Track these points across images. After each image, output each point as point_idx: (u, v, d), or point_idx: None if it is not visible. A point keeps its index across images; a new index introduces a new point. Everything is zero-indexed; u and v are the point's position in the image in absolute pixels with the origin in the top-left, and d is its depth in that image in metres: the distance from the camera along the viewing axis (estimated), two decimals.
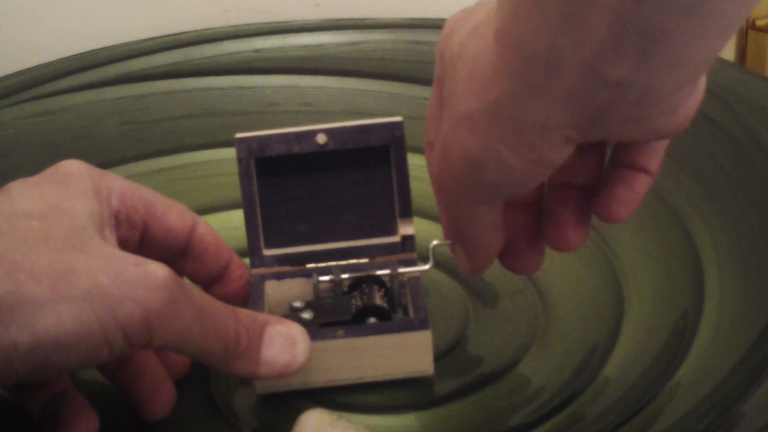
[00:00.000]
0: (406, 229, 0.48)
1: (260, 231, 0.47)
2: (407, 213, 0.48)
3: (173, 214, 0.44)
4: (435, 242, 0.45)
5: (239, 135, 0.47)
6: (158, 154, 0.61)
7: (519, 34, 0.33)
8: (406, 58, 0.66)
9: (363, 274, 0.47)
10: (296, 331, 0.42)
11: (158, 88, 0.65)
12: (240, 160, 0.47)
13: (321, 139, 0.47)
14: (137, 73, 0.65)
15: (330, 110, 0.63)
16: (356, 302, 0.46)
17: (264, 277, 0.47)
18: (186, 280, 0.47)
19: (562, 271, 0.52)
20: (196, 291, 0.39)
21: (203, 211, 0.55)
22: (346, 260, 0.47)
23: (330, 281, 0.46)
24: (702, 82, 0.35)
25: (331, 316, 0.45)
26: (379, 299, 0.46)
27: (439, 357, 0.47)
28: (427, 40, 0.66)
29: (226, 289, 0.47)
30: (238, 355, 0.40)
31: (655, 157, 0.40)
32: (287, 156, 0.47)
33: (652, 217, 0.53)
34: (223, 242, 0.46)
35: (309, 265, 0.47)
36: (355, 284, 0.47)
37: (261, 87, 0.65)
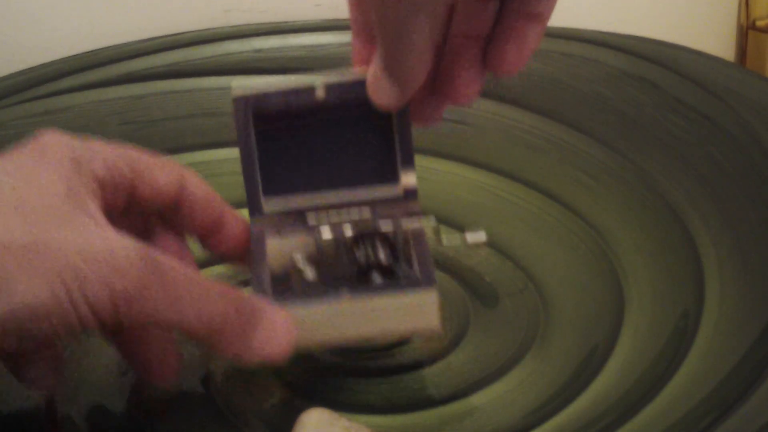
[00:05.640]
0: (408, 178, 0.47)
1: (259, 184, 0.47)
2: (409, 162, 0.47)
3: (160, 172, 0.44)
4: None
5: (235, 90, 0.46)
6: (158, 154, 0.61)
7: None
8: None
9: (366, 229, 0.46)
10: (287, 317, 0.41)
11: (158, 88, 0.65)
12: (236, 116, 0.46)
13: (320, 94, 0.46)
14: (137, 73, 0.65)
15: None
16: (360, 258, 0.45)
17: (264, 234, 0.46)
18: (187, 260, 0.46)
19: (562, 271, 0.52)
20: (175, 272, 0.39)
21: None
22: (347, 211, 0.47)
23: (333, 238, 0.46)
24: None
25: (335, 273, 0.44)
26: (383, 255, 0.45)
27: (439, 357, 0.47)
28: None
29: (224, 242, 0.46)
30: (226, 338, 0.40)
31: (547, 1, 0.40)
32: (285, 110, 0.46)
33: (652, 217, 0.53)
34: (214, 193, 0.46)
35: (310, 220, 0.47)
36: (358, 238, 0.46)
37: None
